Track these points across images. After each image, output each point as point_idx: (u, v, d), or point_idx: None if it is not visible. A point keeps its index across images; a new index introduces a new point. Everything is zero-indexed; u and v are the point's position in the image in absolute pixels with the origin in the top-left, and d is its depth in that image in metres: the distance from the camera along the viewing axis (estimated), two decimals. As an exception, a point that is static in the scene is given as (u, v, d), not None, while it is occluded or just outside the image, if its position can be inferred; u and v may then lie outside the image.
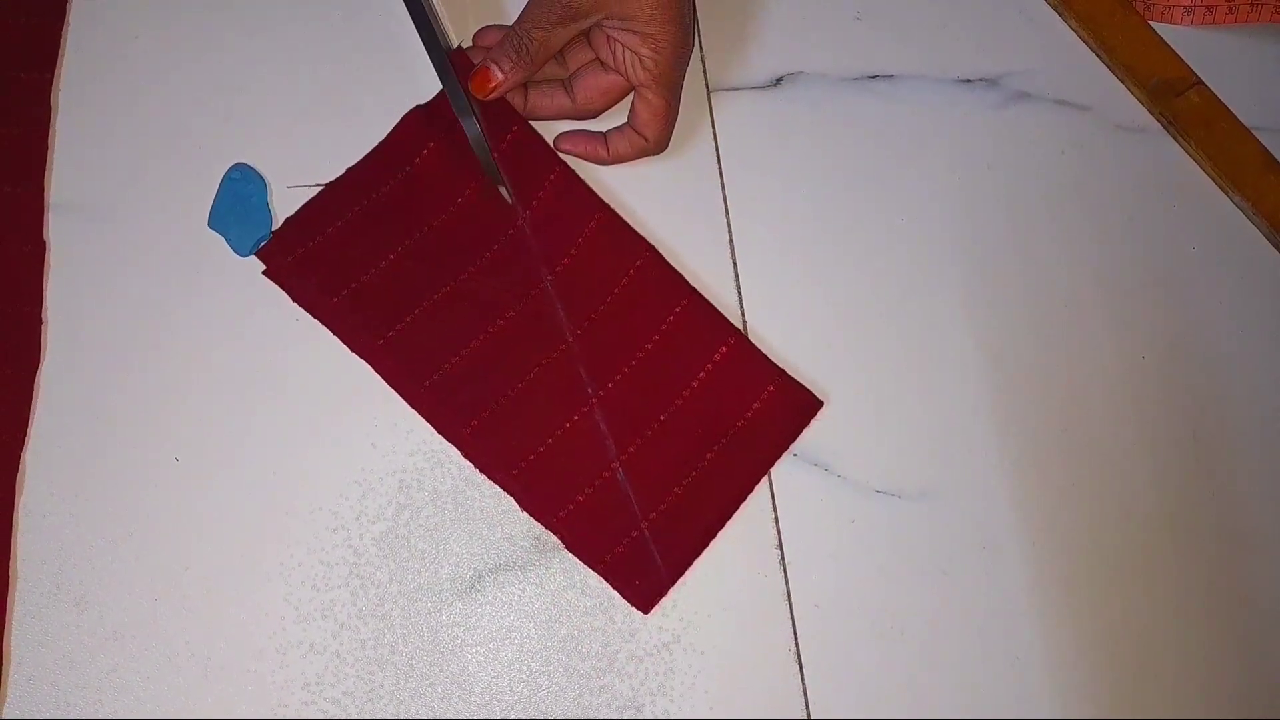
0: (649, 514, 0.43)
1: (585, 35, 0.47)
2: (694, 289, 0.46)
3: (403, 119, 0.47)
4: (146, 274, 0.46)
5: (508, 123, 0.48)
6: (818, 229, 0.49)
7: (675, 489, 0.43)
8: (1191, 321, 0.49)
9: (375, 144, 0.47)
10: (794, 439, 0.45)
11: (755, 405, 0.45)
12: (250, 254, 0.45)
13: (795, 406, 0.45)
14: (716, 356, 0.45)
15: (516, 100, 0.47)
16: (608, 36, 0.45)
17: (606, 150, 0.47)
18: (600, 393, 0.45)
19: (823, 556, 0.44)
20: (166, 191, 0.47)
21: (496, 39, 0.46)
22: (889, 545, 0.44)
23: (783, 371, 0.45)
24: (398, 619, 0.42)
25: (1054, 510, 0.45)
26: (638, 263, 0.46)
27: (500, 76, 0.45)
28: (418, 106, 0.48)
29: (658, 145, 0.47)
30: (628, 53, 0.45)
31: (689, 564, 0.43)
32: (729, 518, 0.44)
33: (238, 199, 0.46)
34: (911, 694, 0.42)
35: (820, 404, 0.45)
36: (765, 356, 0.46)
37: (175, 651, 0.41)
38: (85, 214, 0.46)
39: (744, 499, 0.44)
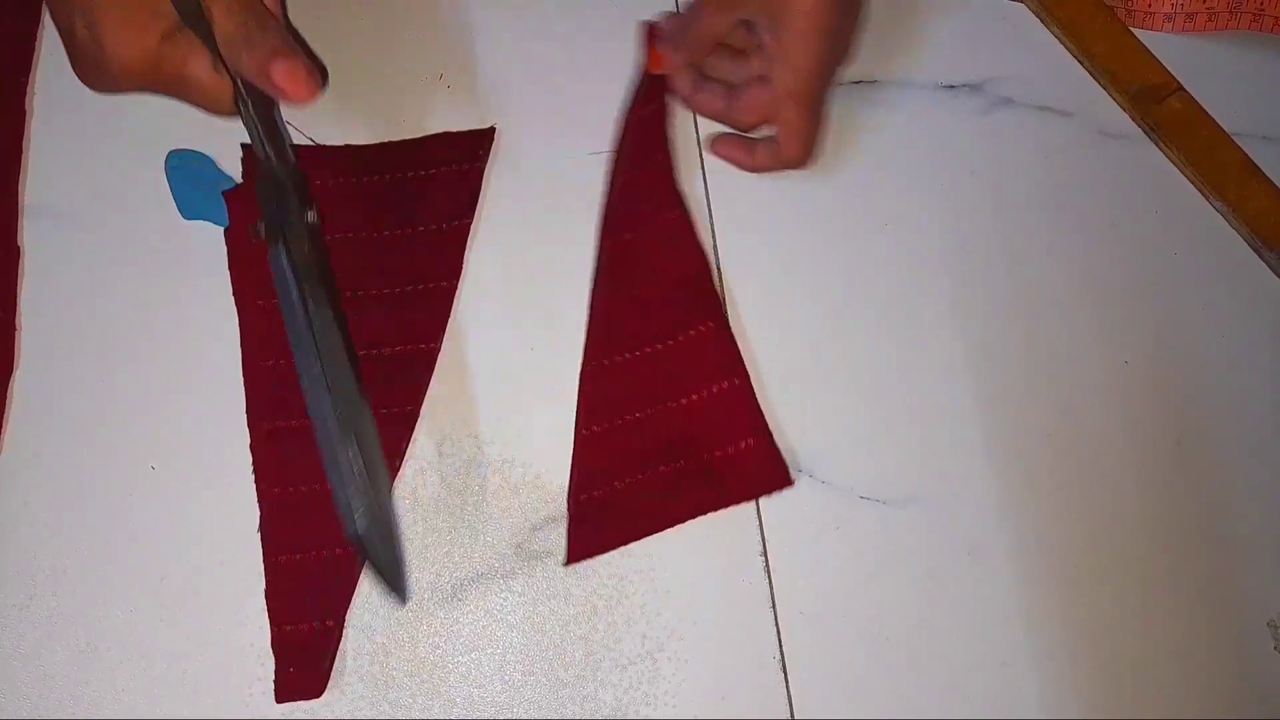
0: (579, 495, 0.43)
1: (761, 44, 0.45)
2: (724, 316, 0.46)
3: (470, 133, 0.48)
4: (121, 279, 0.45)
5: (654, 97, 0.48)
6: (802, 233, 0.49)
7: (615, 483, 0.43)
8: (1175, 326, 0.49)
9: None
10: (749, 501, 0.44)
11: (729, 449, 0.44)
12: None
13: (765, 471, 0.44)
14: (715, 389, 0.45)
15: (683, 85, 0.47)
16: (761, 40, 0.44)
17: (751, 158, 0.47)
18: (592, 365, 0.44)
19: (808, 563, 0.44)
20: (141, 196, 0.46)
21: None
22: (874, 551, 0.44)
23: (768, 432, 0.44)
24: (378, 629, 0.42)
25: (1039, 516, 0.45)
26: (690, 271, 0.46)
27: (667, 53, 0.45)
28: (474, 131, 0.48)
29: (797, 161, 0.46)
30: (774, 61, 0.44)
31: (591, 553, 0.43)
32: (647, 534, 0.43)
33: (194, 181, 0.45)
34: (897, 701, 0.42)
35: (790, 483, 0.44)
36: (759, 409, 0.45)
37: (152, 663, 0.41)
38: (59, 219, 0.46)
39: (668, 527, 0.43)
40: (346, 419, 0.39)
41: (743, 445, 0.44)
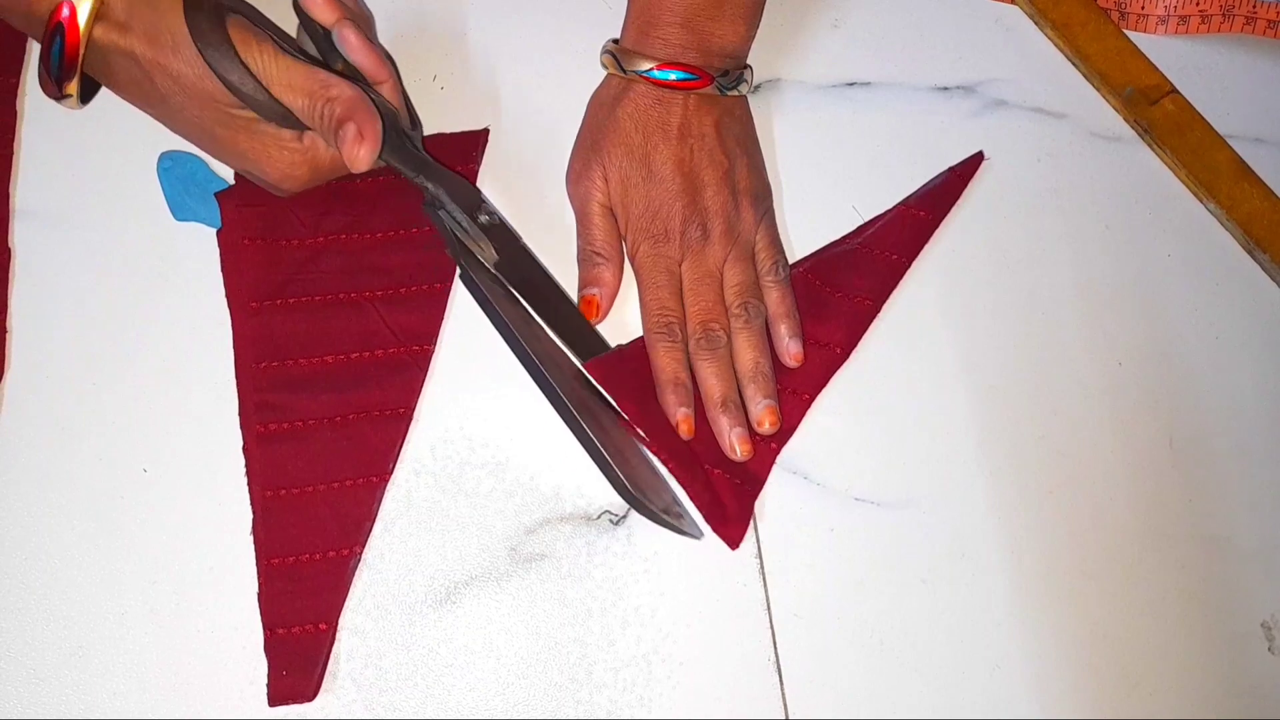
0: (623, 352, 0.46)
1: None
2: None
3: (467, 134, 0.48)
4: (113, 281, 0.45)
5: None
6: (793, 237, 0.49)
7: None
8: (1167, 327, 0.49)
9: None
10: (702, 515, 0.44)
11: (725, 475, 0.44)
12: None
13: (732, 515, 0.44)
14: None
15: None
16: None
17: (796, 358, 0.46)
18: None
19: (802, 565, 0.44)
20: (133, 198, 0.46)
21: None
22: (868, 554, 0.44)
23: (759, 488, 0.44)
24: (371, 633, 0.41)
25: (1032, 517, 0.45)
26: None
27: (596, 292, 0.46)
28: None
29: (786, 268, 0.47)
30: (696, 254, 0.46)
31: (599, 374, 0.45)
32: (637, 422, 0.44)
33: (186, 183, 0.45)
34: (891, 703, 0.42)
35: (734, 547, 0.43)
36: (769, 467, 0.45)
37: (143, 666, 0.40)
38: (49, 221, 0.45)
39: (659, 453, 0.44)
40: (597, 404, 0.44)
41: (738, 481, 0.44)
